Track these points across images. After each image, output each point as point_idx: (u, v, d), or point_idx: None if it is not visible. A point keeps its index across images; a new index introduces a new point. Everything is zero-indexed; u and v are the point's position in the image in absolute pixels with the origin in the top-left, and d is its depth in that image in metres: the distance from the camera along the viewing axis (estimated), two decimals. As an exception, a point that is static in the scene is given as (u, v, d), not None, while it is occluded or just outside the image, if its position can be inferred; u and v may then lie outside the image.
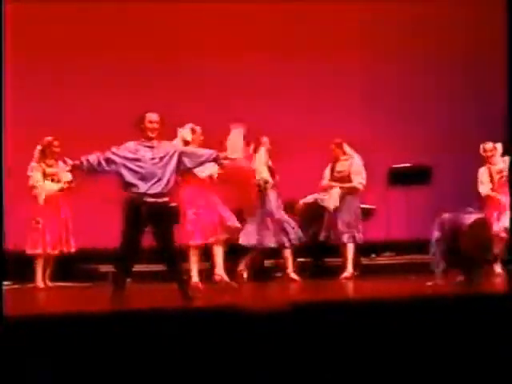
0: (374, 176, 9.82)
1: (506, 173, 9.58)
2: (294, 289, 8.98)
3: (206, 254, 8.78)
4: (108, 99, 10.23)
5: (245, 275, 9.26)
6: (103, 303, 7.04)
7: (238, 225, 8.68)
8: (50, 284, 9.09)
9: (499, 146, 9.71)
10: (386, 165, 10.36)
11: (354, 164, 9.61)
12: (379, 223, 10.34)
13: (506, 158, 9.68)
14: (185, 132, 8.52)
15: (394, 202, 10.44)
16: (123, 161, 7.23)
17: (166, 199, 7.31)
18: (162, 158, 7.28)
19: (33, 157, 9.13)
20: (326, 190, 9.67)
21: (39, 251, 8.96)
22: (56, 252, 9.03)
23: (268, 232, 9.21)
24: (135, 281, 8.32)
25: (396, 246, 10.61)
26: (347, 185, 9.57)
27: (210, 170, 8.42)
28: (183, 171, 7.60)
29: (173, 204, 7.99)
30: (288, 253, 9.29)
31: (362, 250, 9.82)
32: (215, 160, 7.64)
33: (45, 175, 8.99)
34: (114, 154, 7.26)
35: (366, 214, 9.96)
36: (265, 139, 9.32)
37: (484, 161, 9.72)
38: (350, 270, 9.44)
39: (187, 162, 7.36)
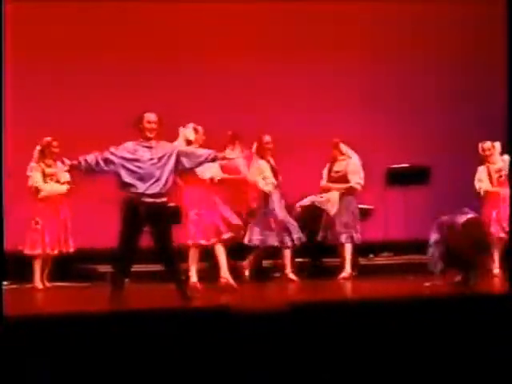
0: (373, 176, 9.82)
1: (504, 172, 9.58)
2: (292, 289, 8.98)
3: (205, 254, 8.77)
4: (108, 99, 10.22)
5: (246, 273, 9.28)
6: (102, 303, 7.05)
7: (240, 223, 8.66)
8: (48, 284, 9.08)
9: (498, 144, 9.70)
10: (384, 165, 10.36)
11: (350, 164, 9.61)
12: (377, 223, 10.33)
13: (505, 157, 9.68)
14: (187, 131, 8.52)
15: (392, 202, 10.43)
16: (121, 161, 7.24)
17: (164, 199, 7.32)
18: (160, 159, 7.29)
19: (32, 157, 9.12)
20: (324, 191, 9.68)
21: (38, 252, 8.95)
22: (55, 252, 9.02)
23: (271, 232, 9.21)
24: (134, 281, 8.32)
25: (394, 247, 10.61)
26: (345, 185, 9.57)
27: (211, 171, 8.42)
28: (182, 171, 7.60)
29: (171, 204, 8.00)
30: (288, 253, 9.30)
31: (360, 250, 9.81)
32: (214, 160, 7.65)
33: (44, 175, 8.98)
34: (112, 154, 7.26)
35: (364, 214, 9.96)
36: (267, 138, 9.33)
37: (483, 160, 9.71)
38: (348, 270, 9.44)
39: (185, 162, 7.36)
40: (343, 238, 9.47)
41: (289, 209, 9.60)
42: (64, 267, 9.35)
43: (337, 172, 9.65)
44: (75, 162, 7.33)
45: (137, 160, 7.25)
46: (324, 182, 9.72)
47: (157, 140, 7.36)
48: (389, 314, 5.31)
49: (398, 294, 7.59)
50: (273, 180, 9.25)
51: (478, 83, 11.35)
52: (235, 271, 8.95)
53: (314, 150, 9.93)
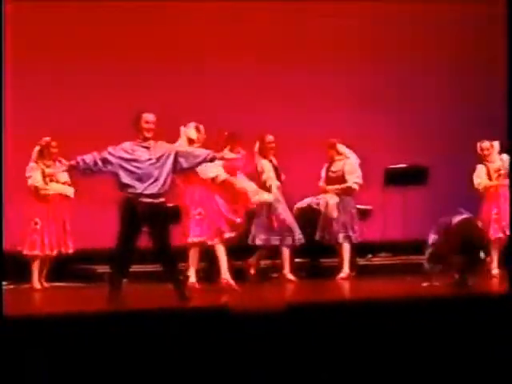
0: (371, 176, 9.82)
1: (503, 171, 9.56)
2: (290, 289, 8.98)
3: (205, 254, 8.77)
4: (108, 99, 10.20)
5: (252, 271, 9.29)
6: (100, 303, 7.04)
7: (241, 222, 8.66)
8: (46, 284, 9.07)
9: (496, 144, 9.69)
10: (382, 165, 10.36)
11: (347, 164, 9.60)
12: (375, 224, 10.33)
13: (504, 156, 9.67)
14: (189, 130, 8.51)
15: (390, 202, 10.44)
16: (119, 161, 7.23)
17: (162, 199, 7.32)
18: (158, 159, 7.28)
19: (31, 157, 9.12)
20: (322, 192, 9.68)
21: (37, 252, 8.94)
22: (54, 253, 9.01)
23: (274, 231, 9.22)
24: (132, 281, 8.32)
25: (392, 247, 10.62)
26: (342, 185, 9.56)
27: (214, 171, 8.41)
28: (180, 171, 7.59)
29: (170, 204, 8.00)
30: (286, 253, 9.30)
31: (359, 250, 9.82)
32: (212, 160, 7.64)
33: (44, 176, 8.97)
34: (110, 154, 7.25)
35: (363, 214, 9.96)
36: (269, 137, 9.33)
37: (481, 159, 9.69)
38: (346, 270, 9.44)
39: (183, 162, 7.35)
40: (340, 237, 9.47)
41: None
42: (62, 267, 9.34)
43: (334, 172, 9.65)
44: (73, 163, 7.33)
45: (135, 160, 7.24)
46: (322, 183, 9.72)
47: (155, 140, 7.36)
48: (387, 315, 5.31)
49: (396, 294, 7.59)
50: (276, 181, 9.24)
51: (478, 83, 11.35)
52: (243, 270, 8.99)
53: (314, 150, 9.92)
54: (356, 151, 9.67)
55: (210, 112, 9.55)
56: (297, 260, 9.70)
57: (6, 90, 8.00)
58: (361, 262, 10.07)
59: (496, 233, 9.49)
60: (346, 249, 9.47)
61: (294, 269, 9.44)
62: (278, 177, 9.31)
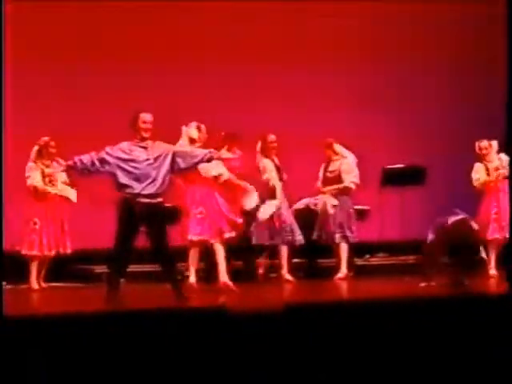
0: (368, 177, 9.83)
1: (502, 170, 9.56)
2: (288, 289, 8.98)
3: (205, 254, 8.77)
4: (108, 99, 10.22)
5: (261, 271, 9.37)
6: (98, 304, 7.04)
7: (241, 222, 8.67)
8: (43, 285, 9.07)
9: (495, 143, 9.68)
10: (380, 165, 10.37)
11: (344, 163, 9.61)
12: (373, 224, 10.34)
13: (502, 156, 9.67)
14: (191, 130, 8.52)
15: (388, 202, 10.45)
16: (117, 161, 7.24)
17: (160, 200, 7.32)
18: (156, 159, 7.29)
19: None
20: (319, 193, 9.69)
21: (35, 252, 8.94)
22: (52, 253, 9.01)
23: (277, 231, 9.23)
24: (129, 281, 8.33)
25: (390, 247, 10.63)
26: (339, 185, 9.56)
27: (217, 170, 8.41)
28: (177, 171, 7.59)
29: (168, 204, 8.00)
30: (285, 253, 9.31)
31: (356, 250, 9.82)
32: (209, 160, 7.64)
33: (43, 176, 8.96)
34: (107, 154, 7.26)
35: (361, 215, 9.97)
36: (271, 137, 9.34)
37: (479, 159, 9.68)
38: (343, 270, 9.44)
39: (181, 162, 7.35)
40: (337, 237, 9.47)
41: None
42: (60, 268, 9.34)
43: (331, 172, 9.66)
44: (70, 163, 7.34)
45: (132, 160, 7.24)
46: (319, 184, 9.73)
47: (152, 140, 7.36)
48: (384, 315, 5.31)
49: (393, 294, 7.59)
50: (278, 181, 9.24)
51: (478, 83, 11.37)
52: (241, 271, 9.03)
53: (314, 150, 9.91)
54: (354, 151, 9.67)
55: (210, 112, 9.55)
56: (295, 260, 9.71)
57: (5, 90, 7.99)
58: (358, 262, 10.08)
59: (494, 233, 9.49)
60: (344, 249, 9.48)
61: (292, 269, 9.45)
62: (280, 176, 9.32)
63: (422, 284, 8.29)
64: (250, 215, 9.02)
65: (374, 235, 10.42)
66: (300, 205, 9.72)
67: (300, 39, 11.04)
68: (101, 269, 9.01)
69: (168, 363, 4.85)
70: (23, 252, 8.93)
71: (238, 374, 4.83)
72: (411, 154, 10.71)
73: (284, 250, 9.30)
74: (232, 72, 10.57)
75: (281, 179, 9.29)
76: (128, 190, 7.21)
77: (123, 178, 7.21)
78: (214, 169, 8.34)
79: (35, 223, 8.96)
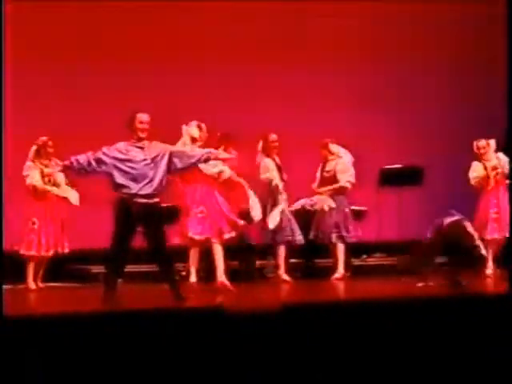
0: (366, 177, 9.83)
1: (501, 169, 9.56)
2: (285, 289, 8.98)
3: (205, 254, 8.77)
4: (108, 100, 10.21)
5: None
6: (95, 304, 7.03)
7: (242, 223, 8.67)
8: (41, 285, 9.06)
9: (492, 142, 9.68)
10: (378, 165, 10.37)
11: (339, 163, 9.60)
12: (370, 224, 10.34)
13: (500, 155, 9.67)
14: (192, 129, 8.51)
15: (385, 202, 10.45)
16: (114, 161, 7.23)
17: (157, 200, 7.31)
18: (153, 159, 7.28)
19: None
20: (316, 193, 9.69)
21: (33, 253, 8.93)
22: (50, 253, 9.00)
23: (281, 230, 9.24)
24: (127, 281, 8.32)
25: (387, 247, 10.63)
26: (334, 186, 9.55)
27: (219, 167, 8.41)
28: (174, 172, 7.57)
29: (164, 204, 7.99)
30: (282, 253, 9.31)
31: (353, 250, 9.82)
32: (206, 160, 7.64)
33: (42, 176, 8.95)
34: (104, 154, 7.25)
35: (358, 215, 9.96)
36: (273, 136, 9.35)
37: (477, 158, 9.67)
38: (340, 270, 9.44)
39: (177, 162, 7.35)
40: (333, 237, 9.46)
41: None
42: (57, 267, 9.33)
43: (328, 172, 9.66)
44: (67, 163, 7.34)
45: (129, 160, 7.24)
46: (314, 185, 9.71)
47: (149, 140, 7.35)
48: (382, 315, 5.31)
49: (391, 294, 7.60)
50: (279, 181, 9.24)
51: (478, 83, 11.38)
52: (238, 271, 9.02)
53: (314, 150, 9.91)
54: (352, 151, 9.67)
55: (210, 112, 9.55)
56: (292, 260, 9.70)
57: (6, 90, 7.99)
58: (356, 262, 10.08)
59: (493, 233, 9.48)
60: (340, 249, 9.47)
61: (289, 269, 9.45)
62: (281, 176, 9.33)
63: (419, 284, 8.30)
64: (248, 215, 9.02)
65: (371, 235, 10.41)
66: (296, 205, 9.72)
67: (300, 39, 11.04)
68: (98, 269, 9.00)
69: (165, 363, 4.85)
70: (21, 252, 8.92)
71: (234, 373, 4.84)
72: (409, 154, 10.71)
73: (282, 250, 9.29)
74: (232, 72, 10.57)
75: (282, 179, 9.30)
76: (125, 190, 7.21)
77: (120, 178, 7.21)
78: (216, 166, 8.34)
79: (34, 223, 8.95)
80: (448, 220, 8.35)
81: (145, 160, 7.25)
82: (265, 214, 9.18)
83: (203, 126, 8.54)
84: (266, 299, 7.91)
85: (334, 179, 9.58)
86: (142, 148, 7.28)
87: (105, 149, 7.28)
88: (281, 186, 9.24)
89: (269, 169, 9.25)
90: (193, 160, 7.46)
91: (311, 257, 9.90)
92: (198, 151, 7.66)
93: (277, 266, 9.37)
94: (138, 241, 7.40)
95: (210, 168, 8.33)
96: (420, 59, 11.40)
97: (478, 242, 8.87)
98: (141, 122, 7.31)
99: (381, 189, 10.35)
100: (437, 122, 11.37)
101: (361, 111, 11.08)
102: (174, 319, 5.06)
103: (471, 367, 5.18)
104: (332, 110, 10.97)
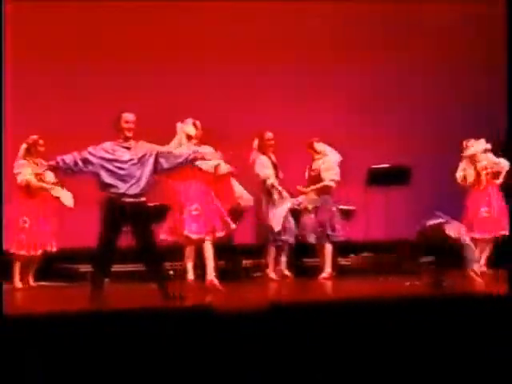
0: (353, 176, 9.84)
1: (491, 170, 9.58)
2: (273, 288, 8.99)
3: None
4: (108, 100, 10.18)
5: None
6: (82, 303, 7.02)
7: (233, 224, 8.68)
8: (33, 284, 9.05)
9: (482, 142, 9.70)
10: (365, 165, 10.38)
11: (325, 161, 9.60)
12: (358, 223, 10.35)
13: (489, 155, 9.69)
14: (187, 127, 8.51)
15: (373, 202, 10.46)
16: (101, 161, 7.23)
17: (143, 199, 7.31)
18: (140, 159, 7.29)
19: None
20: (301, 193, 9.70)
21: (23, 252, 8.91)
22: (39, 253, 8.98)
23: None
24: (119, 281, 8.33)
25: (375, 247, 10.64)
26: (318, 185, 9.55)
27: (216, 161, 8.40)
28: (160, 172, 7.55)
29: (152, 204, 7.99)
30: (273, 253, 9.32)
31: (341, 249, 9.83)
32: (194, 160, 7.65)
33: (34, 174, 8.92)
34: (90, 154, 7.26)
35: (346, 214, 9.97)
36: (269, 134, 9.36)
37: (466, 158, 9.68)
38: (328, 270, 9.45)
39: (164, 162, 7.35)
40: (319, 237, 9.46)
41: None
42: (45, 266, 9.31)
43: (314, 171, 9.67)
44: (53, 163, 7.35)
45: (116, 160, 7.24)
46: (299, 186, 9.68)
47: (135, 140, 7.36)
48: (369, 314, 5.32)
49: (378, 293, 7.62)
50: (274, 180, 9.25)
51: (461, 84, 11.41)
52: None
53: (299, 150, 9.92)
54: (340, 150, 9.67)
55: (210, 112, 9.55)
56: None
57: (6, 90, 7.98)
58: (343, 261, 10.09)
59: (482, 232, 9.49)
60: (328, 248, 9.48)
61: (277, 268, 9.47)
62: (277, 174, 9.33)
63: (407, 283, 8.32)
64: (237, 214, 9.03)
65: (359, 235, 10.42)
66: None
67: (300, 39, 11.05)
68: (86, 268, 8.98)
69: (153, 362, 4.85)
70: (11, 251, 8.89)
71: (223, 372, 4.83)
72: (397, 153, 10.73)
73: (272, 249, 9.31)
74: (232, 72, 10.58)
75: (277, 176, 9.31)
76: (113, 190, 7.21)
77: (108, 178, 7.21)
78: (213, 161, 8.33)
79: (25, 222, 8.93)
80: (431, 222, 8.40)
81: (132, 160, 7.25)
82: (260, 212, 9.22)
83: (198, 123, 8.56)
84: (255, 298, 7.91)
85: (319, 178, 9.59)
86: (128, 148, 7.29)
87: (91, 148, 7.29)
88: (276, 184, 9.25)
89: (264, 166, 9.26)
90: (179, 160, 7.46)
91: (299, 256, 9.90)
92: (184, 151, 7.66)
93: (266, 265, 9.38)
94: (125, 240, 7.39)
95: (208, 163, 8.32)
96: (404, 61, 11.42)
97: (466, 242, 8.88)
98: (126, 122, 7.32)
99: (368, 188, 10.35)
100: (417, 123, 11.39)
101: (349, 112, 11.09)
102: (163, 318, 5.05)
103: (459, 366, 5.19)
104: (320, 111, 10.98)
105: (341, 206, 9.79)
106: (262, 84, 10.81)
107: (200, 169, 8.35)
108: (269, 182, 9.22)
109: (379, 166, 10.40)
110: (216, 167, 8.46)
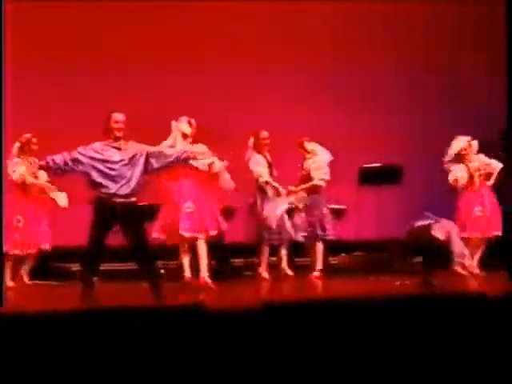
0: (346, 175, 9.86)
1: (483, 171, 9.60)
2: (265, 287, 9.01)
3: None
4: (108, 100, 10.16)
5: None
6: (73, 302, 7.03)
7: (224, 224, 8.69)
8: (28, 282, 9.05)
9: (475, 143, 9.71)
10: (356, 164, 10.40)
11: (315, 161, 9.62)
12: (349, 222, 10.37)
13: (481, 156, 9.71)
14: (182, 125, 8.51)
15: (364, 201, 10.48)
16: (91, 161, 7.24)
17: (134, 199, 7.32)
18: (130, 159, 7.30)
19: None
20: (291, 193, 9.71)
21: (17, 252, 8.90)
22: (33, 251, 8.98)
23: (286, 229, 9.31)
24: (110, 279, 8.33)
25: (366, 246, 10.66)
26: (307, 185, 9.55)
27: (210, 158, 8.40)
28: (151, 172, 7.55)
29: (143, 203, 7.99)
30: (267, 252, 9.35)
31: (332, 249, 9.85)
32: (184, 160, 7.65)
33: (28, 172, 8.92)
34: (80, 154, 7.27)
35: (337, 214, 9.98)
36: (264, 133, 9.37)
37: (459, 159, 9.70)
38: (318, 268, 9.46)
39: (154, 162, 7.36)
40: (309, 236, 9.47)
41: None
42: (37, 265, 9.31)
43: (304, 170, 9.68)
44: (43, 163, 7.36)
45: (106, 161, 7.25)
46: (290, 186, 9.69)
47: (125, 140, 7.36)
48: (360, 313, 5.33)
49: (369, 292, 7.64)
50: (268, 177, 9.26)
51: (453, 84, 11.44)
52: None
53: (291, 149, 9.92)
54: (331, 150, 9.68)
55: (210, 112, 9.57)
56: (272, 258, 9.72)
57: (6, 90, 7.98)
58: (334, 260, 10.11)
59: (475, 231, 9.51)
60: (319, 248, 9.49)
61: (270, 267, 9.48)
62: (271, 173, 9.35)
63: (397, 282, 8.35)
64: (228, 213, 9.05)
65: (350, 234, 10.44)
66: None
67: (300, 39, 11.06)
68: (77, 267, 8.98)
69: (144, 361, 4.85)
70: (5, 250, 8.87)
71: (215, 371, 4.84)
72: (388, 152, 10.75)
73: (266, 249, 9.33)
74: (231, 72, 10.59)
75: (271, 175, 9.33)
76: (104, 190, 7.21)
77: (99, 178, 7.22)
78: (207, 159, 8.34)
79: (19, 221, 8.92)
80: (419, 223, 8.45)
81: (122, 161, 7.26)
82: (255, 211, 9.24)
83: (193, 121, 8.57)
84: (247, 297, 7.93)
85: (309, 177, 9.60)
86: (118, 148, 7.29)
87: (80, 149, 7.31)
88: (271, 180, 9.26)
89: (258, 164, 9.27)
90: (170, 159, 7.47)
91: (290, 255, 9.92)
92: (174, 151, 7.67)
93: (258, 264, 9.40)
94: (116, 239, 7.40)
95: (202, 161, 8.33)
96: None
97: (454, 237, 8.89)
98: (116, 122, 7.33)
99: (360, 187, 10.37)
100: (408, 122, 11.41)
101: (334, 110, 11.12)
102: (154, 317, 5.06)
103: (450, 366, 5.21)
104: (326, 110, 11.02)
105: (332, 206, 9.80)
106: (262, 84, 10.83)
107: (193, 167, 8.35)
108: (262, 179, 9.23)
109: (371, 165, 10.42)
110: (210, 165, 8.47)
